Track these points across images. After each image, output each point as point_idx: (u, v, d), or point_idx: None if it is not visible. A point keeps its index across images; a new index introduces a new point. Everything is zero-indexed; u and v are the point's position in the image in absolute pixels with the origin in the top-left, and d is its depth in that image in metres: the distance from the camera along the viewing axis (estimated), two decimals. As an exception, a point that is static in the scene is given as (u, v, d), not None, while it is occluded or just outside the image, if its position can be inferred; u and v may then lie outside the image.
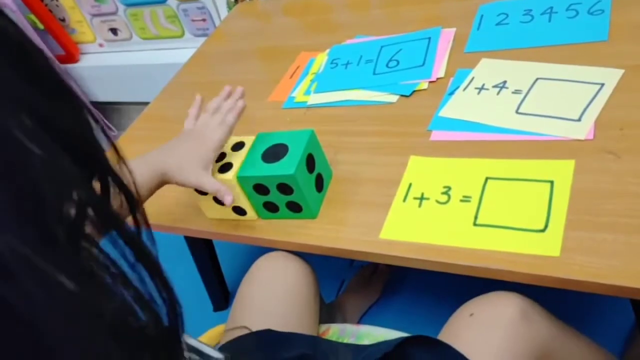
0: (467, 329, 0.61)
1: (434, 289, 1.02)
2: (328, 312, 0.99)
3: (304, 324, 0.71)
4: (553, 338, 0.62)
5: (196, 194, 0.73)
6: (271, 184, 0.68)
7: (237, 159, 0.71)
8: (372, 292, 1.08)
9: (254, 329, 0.66)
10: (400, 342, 0.59)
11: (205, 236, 0.79)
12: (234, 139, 0.74)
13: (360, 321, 1.05)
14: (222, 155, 0.72)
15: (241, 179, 0.69)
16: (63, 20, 1.75)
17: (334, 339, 0.76)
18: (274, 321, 0.68)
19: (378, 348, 0.61)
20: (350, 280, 1.12)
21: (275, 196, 0.69)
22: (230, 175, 0.69)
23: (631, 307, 0.64)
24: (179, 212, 0.80)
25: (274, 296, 0.71)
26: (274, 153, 0.69)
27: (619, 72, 0.71)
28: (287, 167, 0.66)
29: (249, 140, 0.73)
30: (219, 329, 0.78)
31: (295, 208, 0.70)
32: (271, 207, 0.71)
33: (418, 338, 0.60)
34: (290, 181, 0.66)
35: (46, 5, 1.70)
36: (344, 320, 1.03)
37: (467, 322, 0.62)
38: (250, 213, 0.73)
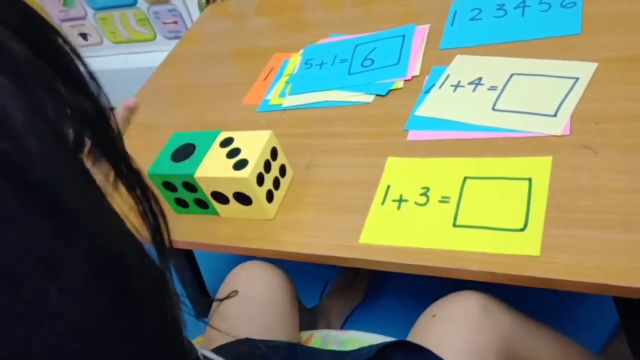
0: (431, 329, 0.62)
1: (418, 290, 1.01)
2: (311, 317, 0.98)
3: (283, 331, 0.70)
4: (515, 330, 0.62)
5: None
6: (177, 182, 0.72)
7: (252, 156, 0.68)
8: (355, 294, 1.07)
9: (232, 339, 0.65)
10: (382, 347, 0.59)
11: (181, 246, 0.77)
12: (248, 134, 0.72)
13: (344, 325, 1.04)
14: (237, 151, 0.70)
15: (151, 177, 0.72)
16: (31, 25, 1.71)
17: (317, 345, 0.75)
18: (251, 329, 0.67)
19: (359, 353, 0.60)
20: (333, 283, 1.11)
21: (182, 193, 0.73)
22: (247, 173, 0.66)
23: (613, 304, 0.64)
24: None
25: (251, 305, 0.70)
26: (185, 152, 0.73)
27: (593, 66, 0.71)
28: (192, 167, 0.70)
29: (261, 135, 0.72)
30: (200, 339, 0.77)
31: (202, 205, 0.74)
32: (182, 203, 0.75)
33: (400, 343, 0.59)
34: (192, 181, 0.70)
35: (12, 11, 1.66)
36: (328, 324, 1.01)
37: (430, 323, 0.63)
38: (268, 212, 0.70)
